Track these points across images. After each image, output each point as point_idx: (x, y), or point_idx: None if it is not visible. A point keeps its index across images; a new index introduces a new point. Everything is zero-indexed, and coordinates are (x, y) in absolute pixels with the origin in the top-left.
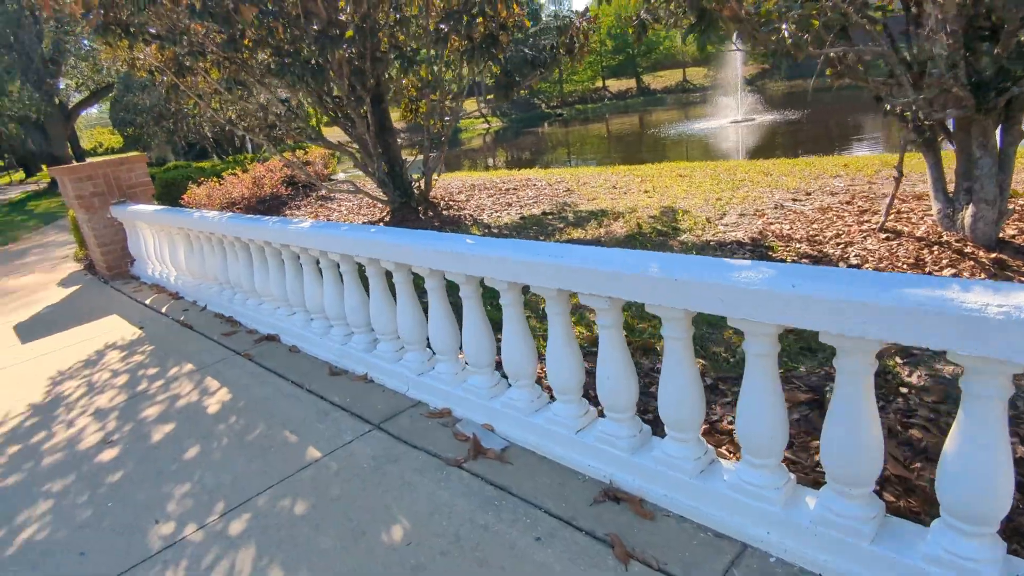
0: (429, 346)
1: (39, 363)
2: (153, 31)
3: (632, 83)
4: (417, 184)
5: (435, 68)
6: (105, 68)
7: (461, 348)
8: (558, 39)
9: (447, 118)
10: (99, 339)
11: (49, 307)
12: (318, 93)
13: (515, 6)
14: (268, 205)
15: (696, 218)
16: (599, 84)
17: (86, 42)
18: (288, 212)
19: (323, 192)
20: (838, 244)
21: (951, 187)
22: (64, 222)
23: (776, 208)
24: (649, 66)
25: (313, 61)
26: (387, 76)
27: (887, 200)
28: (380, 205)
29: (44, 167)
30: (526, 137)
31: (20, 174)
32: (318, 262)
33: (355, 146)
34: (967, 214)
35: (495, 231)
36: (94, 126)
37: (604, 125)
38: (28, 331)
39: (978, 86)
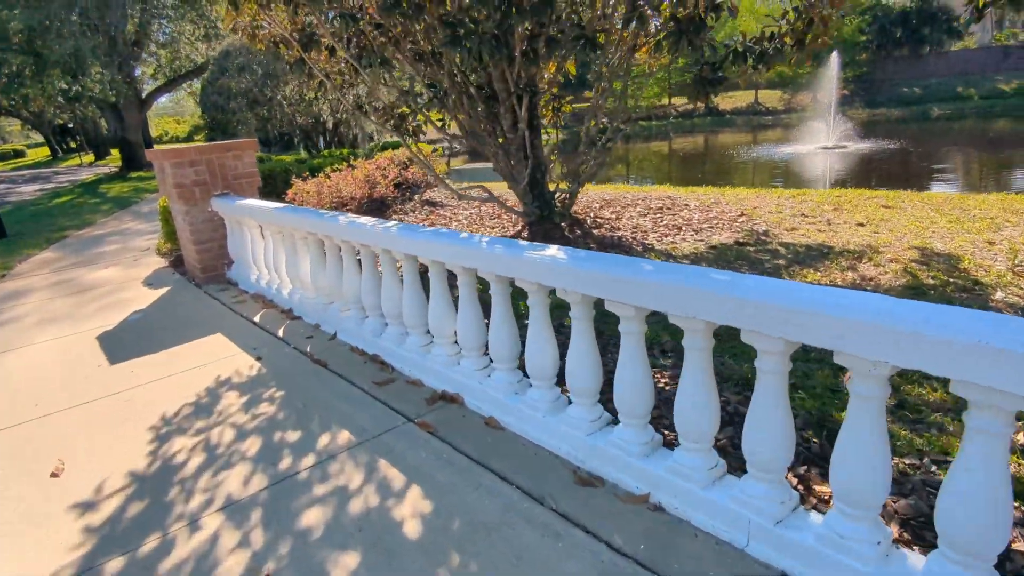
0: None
1: (134, 400)
2: None
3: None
4: (561, 196)
5: (616, 56)
6: (184, 55)
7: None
8: (791, 24)
9: (605, 119)
10: (206, 369)
11: (137, 313)
12: (463, 81)
13: None
14: (369, 207)
15: (987, 267)
16: (665, 101)
17: (168, 29)
18: (395, 217)
19: (428, 196)
20: None
21: None
22: (139, 207)
23: None
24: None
25: (491, 35)
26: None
27: None
28: (509, 216)
29: (114, 151)
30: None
31: (90, 157)
32: (549, 300)
33: (481, 143)
34: None
35: (685, 262)
36: (161, 115)
37: (668, 144)
38: (116, 345)
39: None
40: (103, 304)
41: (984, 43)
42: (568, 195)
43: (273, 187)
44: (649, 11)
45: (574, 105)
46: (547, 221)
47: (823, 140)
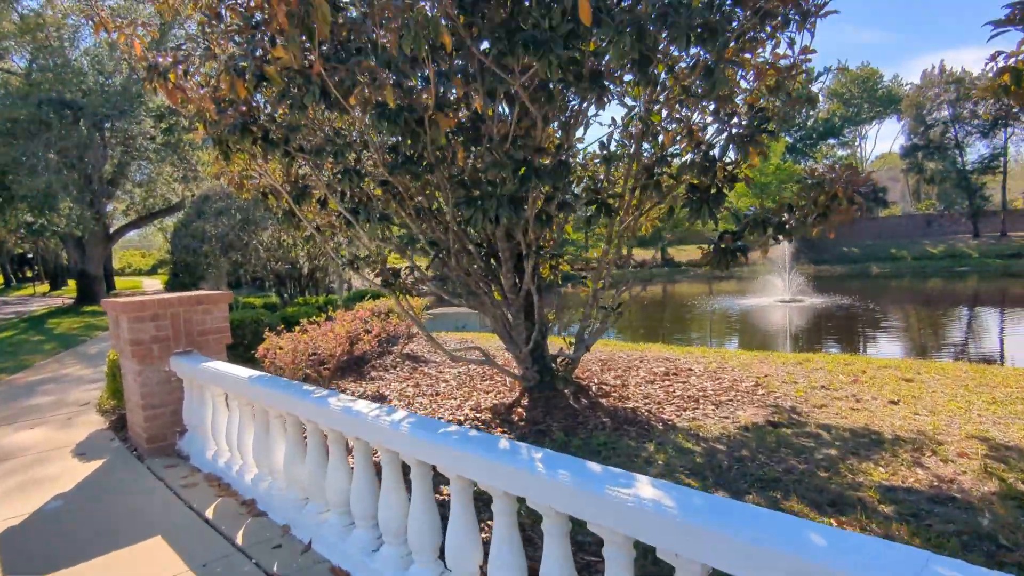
0: None
1: None
2: (298, 142)
3: (653, 253)
4: (562, 360)
5: (626, 221)
6: (159, 195)
7: None
8: (813, 196)
9: (611, 281)
10: None
11: (59, 499)
12: (462, 239)
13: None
14: (347, 364)
15: None
16: (624, 252)
17: (146, 170)
18: (375, 376)
19: (408, 349)
20: None
21: None
22: (87, 348)
23: None
24: (675, 239)
25: (508, 197)
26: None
27: None
28: (503, 378)
29: (71, 282)
30: (548, 296)
31: (44, 287)
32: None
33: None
34: None
35: (721, 448)
36: (127, 247)
37: (628, 292)
38: (20, 552)
39: None
40: (18, 482)
41: (906, 212)
42: (570, 359)
43: (242, 337)
44: (666, 178)
45: (574, 266)
46: (548, 387)
47: (781, 293)
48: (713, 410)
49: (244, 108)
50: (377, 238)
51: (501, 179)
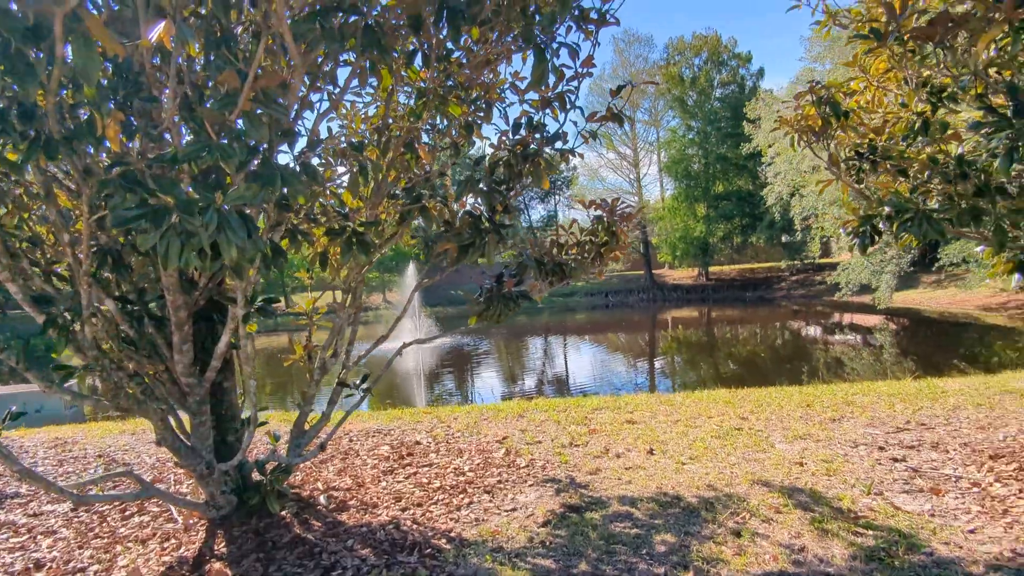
0: None
1: None
2: None
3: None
4: (271, 467)
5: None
6: None
7: None
8: (595, 236)
9: (345, 353)
10: None
11: None
12: (99, 293)
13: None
14: None
15: (884, 509)
16: (349, 300)
17: None
18: None
19: None
20: None
21: None
22: None
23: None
24: (298, 287)
25: (238, 209)
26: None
27: None
28: (162, 507)
29: None
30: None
31: None
32: None
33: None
34: None
35: (550, 565)
36: None
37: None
38: None
39: None
40: None
41: (497, 260)
42: (285, 465)
43: None
44: (434, 203)
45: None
46: (256, 513)
47: (415, 334)
48: (490, 501)
49: None
50: None
51: (218, 178)
